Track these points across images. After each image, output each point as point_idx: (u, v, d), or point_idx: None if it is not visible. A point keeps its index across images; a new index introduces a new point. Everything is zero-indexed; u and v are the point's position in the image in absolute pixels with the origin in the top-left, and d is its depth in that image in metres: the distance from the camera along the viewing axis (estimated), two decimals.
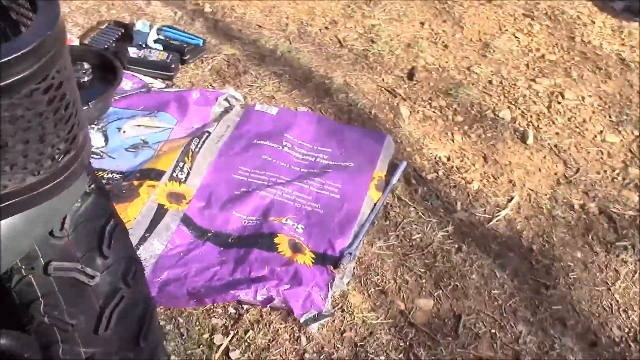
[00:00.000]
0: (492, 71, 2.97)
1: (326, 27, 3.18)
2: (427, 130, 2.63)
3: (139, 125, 2.44)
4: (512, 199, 2.36)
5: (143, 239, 2.04)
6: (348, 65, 2.94)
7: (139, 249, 2.01)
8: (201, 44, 2.86)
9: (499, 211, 2.31)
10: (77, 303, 1.20)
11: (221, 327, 1.90)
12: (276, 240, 2.09)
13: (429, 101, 2.77)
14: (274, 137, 2.49)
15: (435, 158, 2.50)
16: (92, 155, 2.26)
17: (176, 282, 1.97)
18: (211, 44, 2.98)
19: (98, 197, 1.25)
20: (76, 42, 2.79)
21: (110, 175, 2.24)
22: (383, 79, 2.87)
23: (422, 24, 3.25)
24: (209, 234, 2.14)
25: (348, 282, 2.03)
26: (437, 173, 2.44)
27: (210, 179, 2.32)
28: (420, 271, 2.09)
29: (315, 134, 2.54)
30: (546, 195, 2.39)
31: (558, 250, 2.19)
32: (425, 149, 2.53)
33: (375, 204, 2.28)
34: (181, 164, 2.28)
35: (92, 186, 1.25)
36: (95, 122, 2.41)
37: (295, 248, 2.08)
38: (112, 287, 1.23)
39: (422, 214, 2.28)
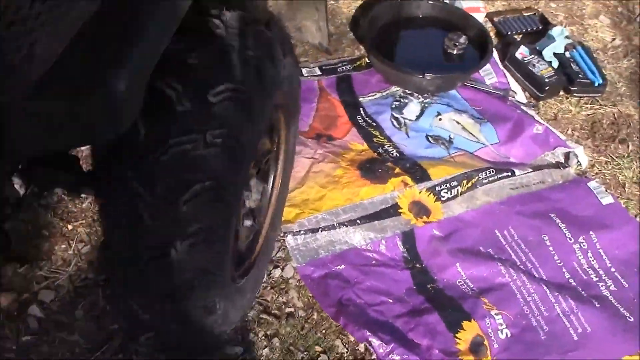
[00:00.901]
0: None
1: None
2: None
3: (458, 123, 2.19)
4: None
5: (351, 223, 1.88)
6: None
7: (339, 227, 1.86)
8: (598, 85, 2.36)
9: None
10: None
11: (337, 354, 1.69)
12: (464, 324, 1.72)
13: None
14: (577, 226, 1.96)
15: None
16: (392, 121, 2.15)
17: (342, 281, 1.79)
18: (617, 90, 2.44)
19: (219, 154, 1.13)
20: (481, 15, 2.57)
21: (388, 148, 2.09)
22: None
23: None
24: (418, 266, 1.87)
25: None
26: None
27: (473, 217, 1.98)
28: None
29: (628, 257, 1.92)
30: None
31: None
32: None
33: None
34: (454, 183, 1.99)
35: (219, 140, 1.14)
36: (425, 95, 2.25)
37: (475, 348, 1.68)
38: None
39: None
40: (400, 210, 1.93)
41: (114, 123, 0.93)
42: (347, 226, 1.87)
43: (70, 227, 1.87)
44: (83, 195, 1.88)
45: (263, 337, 1.70)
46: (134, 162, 1.13)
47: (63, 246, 1.83)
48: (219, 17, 1.24)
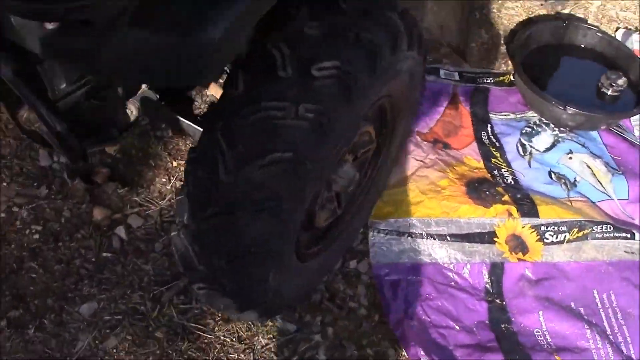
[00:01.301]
0: None
1: None
2: None
3: (588, 167, 2.01)
4: None
5: (440, 237, 1.79)
6: None
7: (427, 238, 1.79)
8: None
9: None
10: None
11: None
12: None
13: None
14: None
15: None
16: (517, 147, 2.04)
17: (413, 293, 1.72)
18: None
19: (306, 129, 1.11)
20: None
21: (504, 172, 1.97)
22: None
23: None
24: (497, 301, 1.76)
25: None
26: None
27: (573, 270, 1.82)
28: None
29: None
30: None
31: None
32: None
33: None
34: (563, 228, 1.84)
35: (311, 115, 1.12)
36: (561, 129, 2.08)
37: None
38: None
39: None
40: (495, 239, 1.81)
41: (199, 70, 0.94)
42: (435, 239, 1.79)
43: (174, 164, 1.95)
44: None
45: (319, 323, 1.68)
46: (225, 115, 1.13)
47: (163, 180, 1.91)
48: None
